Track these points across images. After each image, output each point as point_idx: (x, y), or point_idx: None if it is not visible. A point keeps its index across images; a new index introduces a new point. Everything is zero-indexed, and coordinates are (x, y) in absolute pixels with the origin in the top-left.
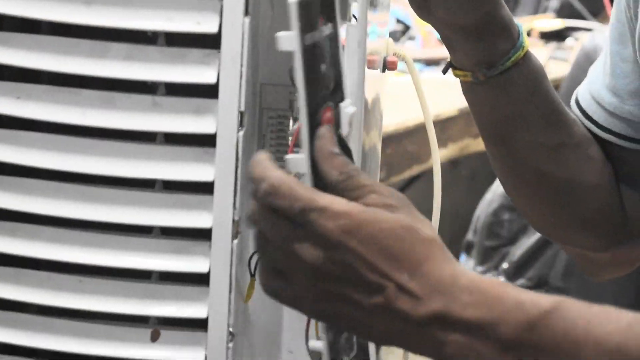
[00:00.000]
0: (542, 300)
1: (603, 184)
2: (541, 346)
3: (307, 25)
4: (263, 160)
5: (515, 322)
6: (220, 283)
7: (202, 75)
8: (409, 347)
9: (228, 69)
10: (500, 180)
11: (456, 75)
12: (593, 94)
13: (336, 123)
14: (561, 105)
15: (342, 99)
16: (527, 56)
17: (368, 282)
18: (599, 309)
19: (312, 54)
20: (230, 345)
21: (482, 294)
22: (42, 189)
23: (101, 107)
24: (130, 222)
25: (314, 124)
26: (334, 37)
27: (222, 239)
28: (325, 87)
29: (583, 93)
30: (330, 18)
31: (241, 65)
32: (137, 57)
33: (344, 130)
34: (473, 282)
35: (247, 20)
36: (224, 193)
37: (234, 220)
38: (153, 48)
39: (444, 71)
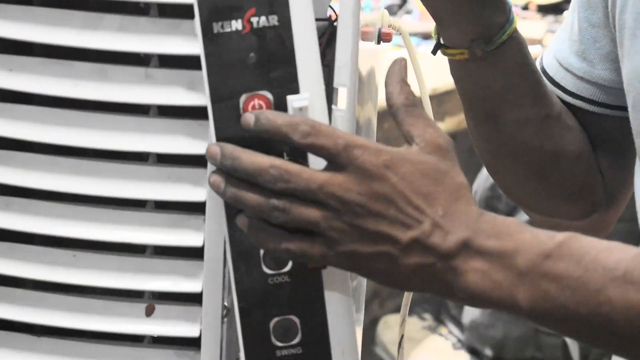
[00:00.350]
0: (557, 234)
1: (583, 152)
2: (554, 273)
3: (216, 14)
4: (276, 112)
5: (531, 252)
6: (214, 256)
7: (195, 46)
8: (431, 285)
9: None
10: (484, 158)
11: (448, 54)
12: (560, 61)
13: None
14: (542, 77)
15: (292, 90)
16: (516, 30)
17: (406, 217)
18: (607, 242)
19: (225, 41)
20: (225, 319)
21: (503, 227)
22: (36, 162)
23: (94, 80)
24: (123, 196)
25: (226, 107)
26: (281, 29)
27: (216, 211)
28: (255, 75)
29: (549, 62)
30: (275, 10)
31: None
32: (130, 28)
33: None
34: (496, 218)
35: None
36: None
37: None
38: (145, 19)
39: (434, 51)
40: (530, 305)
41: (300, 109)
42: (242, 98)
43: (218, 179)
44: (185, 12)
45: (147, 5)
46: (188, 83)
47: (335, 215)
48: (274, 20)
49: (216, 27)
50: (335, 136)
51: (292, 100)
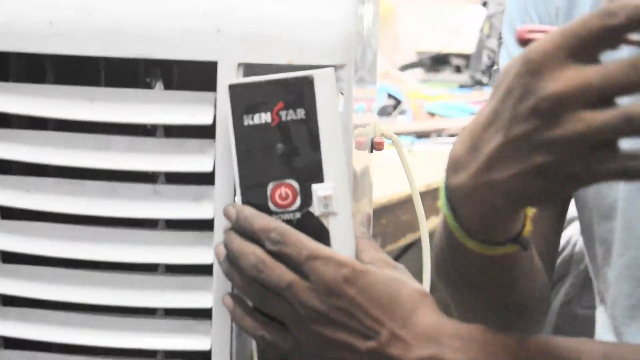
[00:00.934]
0: (528, 340)
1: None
2: None
3: (246, 107)
4: (257, 213)
5: None
6: None
7: (199, 163)
8: None
9: (223, 157)
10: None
11: (500, 252)
12: None
13: (305, 201)
14: None
15: (317, 179)
16: None
17: (364, 328)
18: (576, 342)
19: (254, 132)
20: None
21: (469, 339)
22: (51, 275)
23: (105, 197)
24: (135, 305)
25: (254, 195)
26: (307, 122)
27: (223, 317)
28: (282, 164)
29: None
30: (302, 104)
31: None
32: (138, 148)
33: (315, 210)
34: (460, 329)
35: None
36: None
37: None
38: (152, 140)
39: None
40: None
41: (325, 197)
42: (270, 186)
43: (221, 250)
44: (189, 132)
45: (154, 126)
46: (194, 197)
47: (300, 317)
48: (301, 113)
49: (246, 120)
50: (301, 246)
51: (317, 190)
